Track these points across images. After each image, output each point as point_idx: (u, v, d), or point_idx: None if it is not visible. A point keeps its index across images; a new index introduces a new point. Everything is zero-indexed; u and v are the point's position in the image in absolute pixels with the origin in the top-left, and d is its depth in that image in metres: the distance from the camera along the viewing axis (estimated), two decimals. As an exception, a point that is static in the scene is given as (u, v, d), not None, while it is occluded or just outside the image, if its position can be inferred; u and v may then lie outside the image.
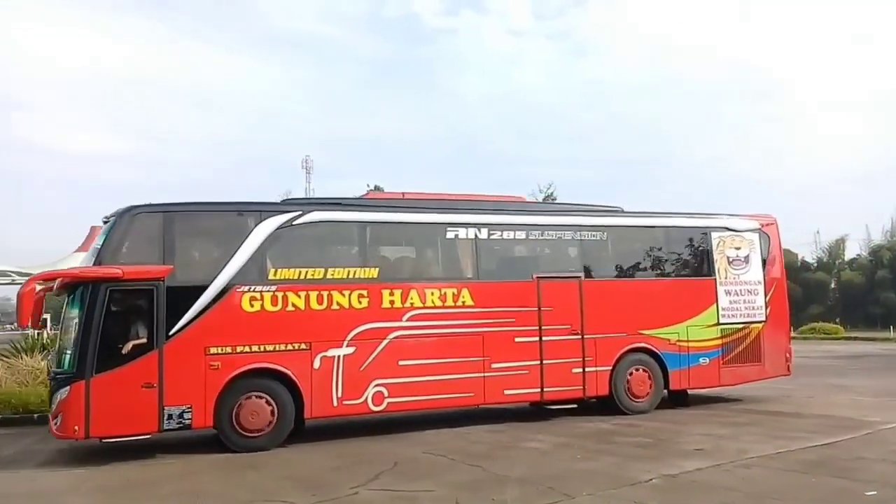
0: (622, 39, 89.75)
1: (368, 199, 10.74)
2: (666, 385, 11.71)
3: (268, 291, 9.25)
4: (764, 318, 12.49)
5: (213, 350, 8.91)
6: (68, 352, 8.71)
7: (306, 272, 9.57)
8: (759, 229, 12.86)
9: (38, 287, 8.80)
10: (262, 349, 9.17)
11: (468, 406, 10.69)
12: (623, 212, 12.24)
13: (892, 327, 36.83)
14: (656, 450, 8.57)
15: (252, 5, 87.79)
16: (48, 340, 15.30)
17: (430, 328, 10.08)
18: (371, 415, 9.92)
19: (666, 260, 12.20)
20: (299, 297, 9.41)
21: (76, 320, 8.66)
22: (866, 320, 48.13)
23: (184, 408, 8.73)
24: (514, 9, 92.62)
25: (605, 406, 11.31)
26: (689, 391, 12.26)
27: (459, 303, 10.33)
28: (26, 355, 14.27)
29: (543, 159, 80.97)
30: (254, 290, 9.18)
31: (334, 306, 9.59)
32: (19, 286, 8.98)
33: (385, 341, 9.81)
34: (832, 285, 56.15)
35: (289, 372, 9.25)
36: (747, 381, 12.48)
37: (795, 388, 14.05)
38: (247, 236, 9.28)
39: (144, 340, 8.69)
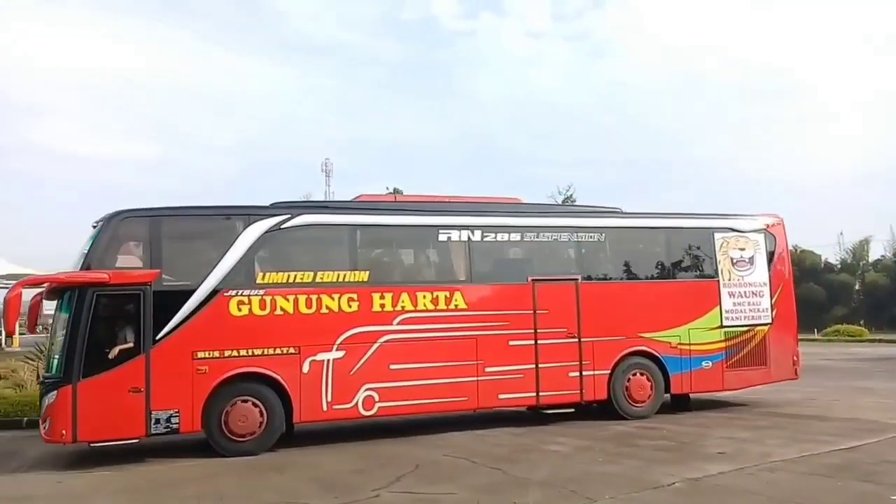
0: (641, 40, 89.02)
1: (359, 202, 10.67)
2: (667, 389, 11.47)
3: (256, 295, 9.21)
4: (770, 321, 12.19)
5: (200, 354, 8.89)
6: (56, 356, 8.76)
7: (295, 276, 9.52)
8: (765, 230, 12.57)
9: (25, 291, 8.84)
10: (250, 353, 9.13)
11: (462, 410, 10.58)
12: (622, 213, 12.05)
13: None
14: (678, 453, 8.50)
15: (272, 12, 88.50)
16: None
17: (422, 332, 9.97)
18: (361, 419, 9.82)
19: (666, 261, 11.97)
20: (288, 300, 9.36)
21: (64, 325, 8.70)
22: (891, 322, 46.98)
23: (171, 412, 8.72)
24: (533, 11, 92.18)
25: (605, 411, 11.12)
26: (695, 395, 12.02)
27: (452, 306, 10.21)
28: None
29: (562, 161, 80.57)
30: (241, 294, 9.15)
31: (323, 310, 9.53)
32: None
33: (375, 345, 9.72)
34: (856, 287, 54.94)
35: (277, 376, 9.20)
36: (753, 385, 12.19)
37: (819, 391, 13.86)
38: (234, 240, 9.26)
39: (131, 345, 8.70)
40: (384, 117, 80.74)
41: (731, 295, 12.02)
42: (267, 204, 9.87)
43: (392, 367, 9.74)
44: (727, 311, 11.92)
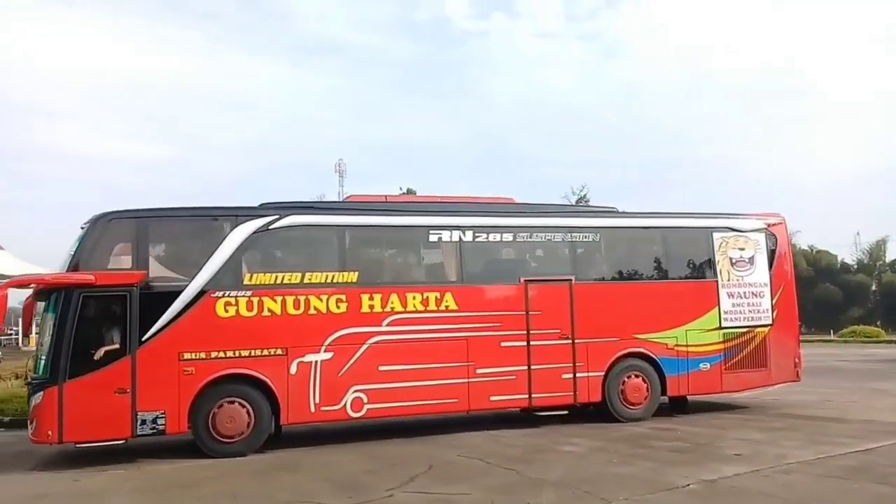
0: (653, 40, 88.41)
1: (348, 203, 10.61)
2: (663, 391, 11.30)
3: (243, 297, 9.19)
4: (770, 322, 11.97)
5: (186, 356, 8.88)
6: (43, 357, 8.78)
7: (283, 277, 9.48)
8: (766, 229, 12.34)
9: (12, 291, 8.88)
10: (236, 354, 9.11)
11: (452, 412, 10.50)
12: (617, 212, 11.89)
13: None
14: (694, 454, 8.43)
15: (286, 14, 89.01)
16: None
17: (412, 333, 9.90)
18: (350, 421, 9.78)
19: (663, 262, 11.79)
20: (275, 301, 9.33)
21: (51, 326, 8.72)
22: (909, 323, 46.33)
23: (157, 413, 8.72)
24: (545, 11, 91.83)
25: (600, 413, 10.97)
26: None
27: (442, 307, 10.12)
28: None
29: (574, 161, 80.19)
30: (228, 296, 9.13)
31: (311, 311, 9.48)
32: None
33: (364, 346, 9.65)
34: (873, 287, 54.22)
35: (264, 377, 9.17)
36: (753, 388, 11.97)
37: (835, 393, 13.73)
38: (222, 241, 9.24)
39: (117, 346, 8.71)
40: (397, 118, 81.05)
41: (730, 295, 11.82)
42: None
43: (381, 368, 9.68)
44: (726, 312, 11.72)
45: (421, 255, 10.79)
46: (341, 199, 22.71)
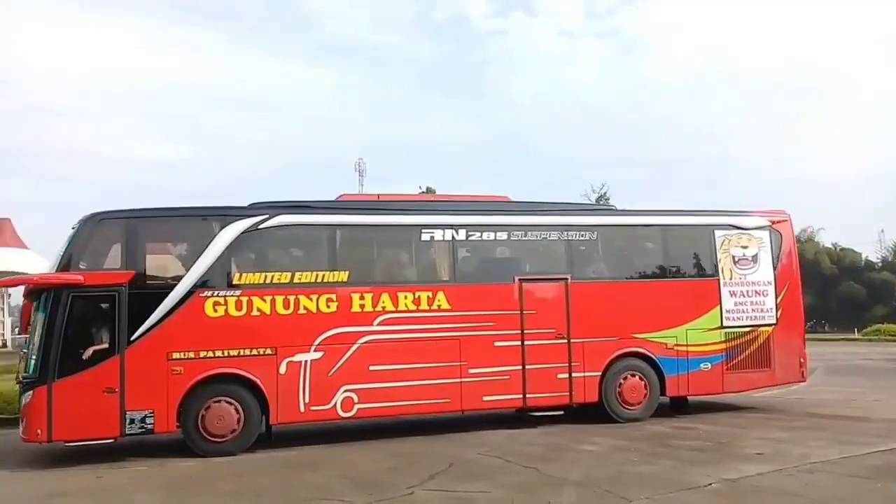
0: (673, 37, 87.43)
1: (339, 202, 10.55)
2: (663, 391, 11.10)
3: (232, 296, 9.19)
4: (774, 321, 11.70)
5: (175, 355, 8.90)
6: (33, 356, 8.83)
7: (272, 276, 9.46)
8: (770, 227, 12.06)
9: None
10: (225, 354, 9.11)
11: (445, 413, 10.41)
12: (616, 210, 11.73)
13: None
14: (715, 453, 8.34)
15: (307, 15, 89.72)
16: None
17: (403, 332, 9.83)
18: (341, 421, 9.74)
19: (662, 260, 11.59)
20: (265, 301, 9.31)
21: (40, 326, 8.78)
22: (934, 322, 45.24)
23: (146, 412, 8.75)
24: (565, 9, 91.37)
25: (598, 413, 10.80)
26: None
27: (434, 306, 10.03)
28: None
29: (594, 160, 79.78)
30: (217, 295, 9.13)
31: (301, 311, 9.45)
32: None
33: (355, 346, 9.61)
34: (898, 285, 53.05)
35: (253, 377, 9.16)
36: (755, 388, 11.77)
37: (860, 392, 13.56)
38: (210, 241, 9.24)
39: (106, 346, 8.76)
40: (417, 117, 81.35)
41: (733, 294, 11.57)
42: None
43: (372, 368, 9.62)
44: (728, 311, 11.48)
45: (413, 254, 10.70)
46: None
